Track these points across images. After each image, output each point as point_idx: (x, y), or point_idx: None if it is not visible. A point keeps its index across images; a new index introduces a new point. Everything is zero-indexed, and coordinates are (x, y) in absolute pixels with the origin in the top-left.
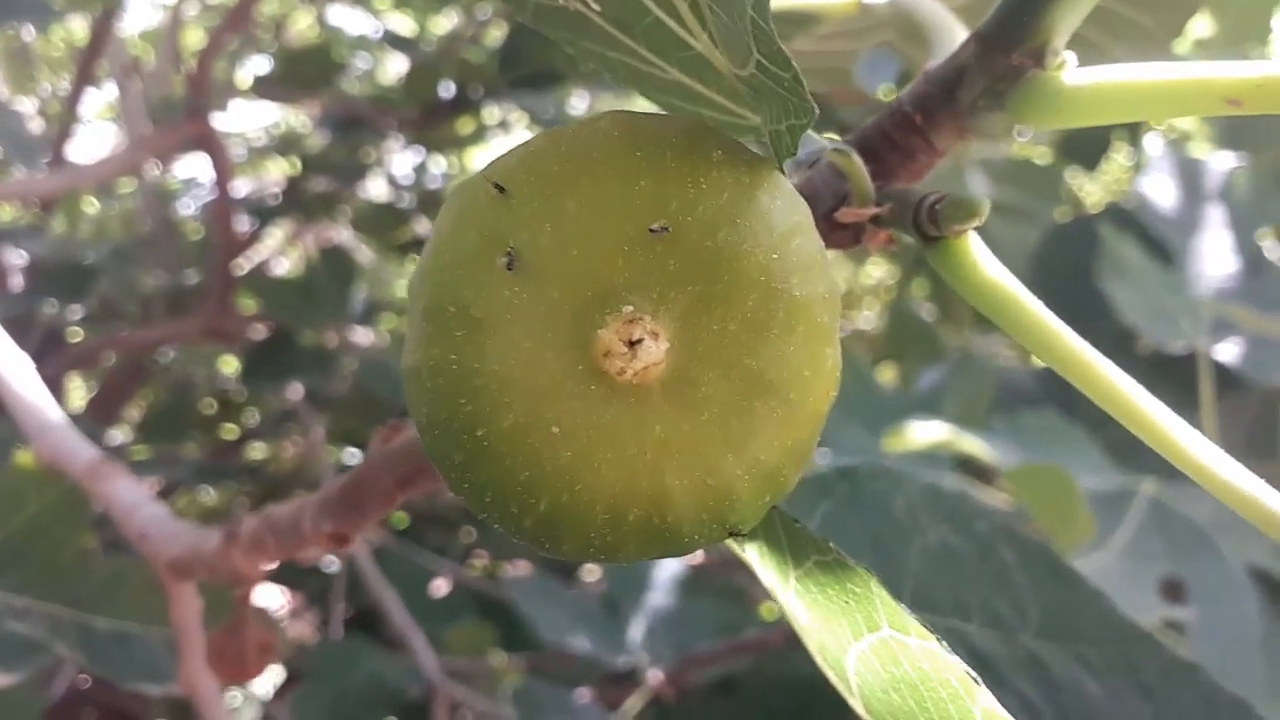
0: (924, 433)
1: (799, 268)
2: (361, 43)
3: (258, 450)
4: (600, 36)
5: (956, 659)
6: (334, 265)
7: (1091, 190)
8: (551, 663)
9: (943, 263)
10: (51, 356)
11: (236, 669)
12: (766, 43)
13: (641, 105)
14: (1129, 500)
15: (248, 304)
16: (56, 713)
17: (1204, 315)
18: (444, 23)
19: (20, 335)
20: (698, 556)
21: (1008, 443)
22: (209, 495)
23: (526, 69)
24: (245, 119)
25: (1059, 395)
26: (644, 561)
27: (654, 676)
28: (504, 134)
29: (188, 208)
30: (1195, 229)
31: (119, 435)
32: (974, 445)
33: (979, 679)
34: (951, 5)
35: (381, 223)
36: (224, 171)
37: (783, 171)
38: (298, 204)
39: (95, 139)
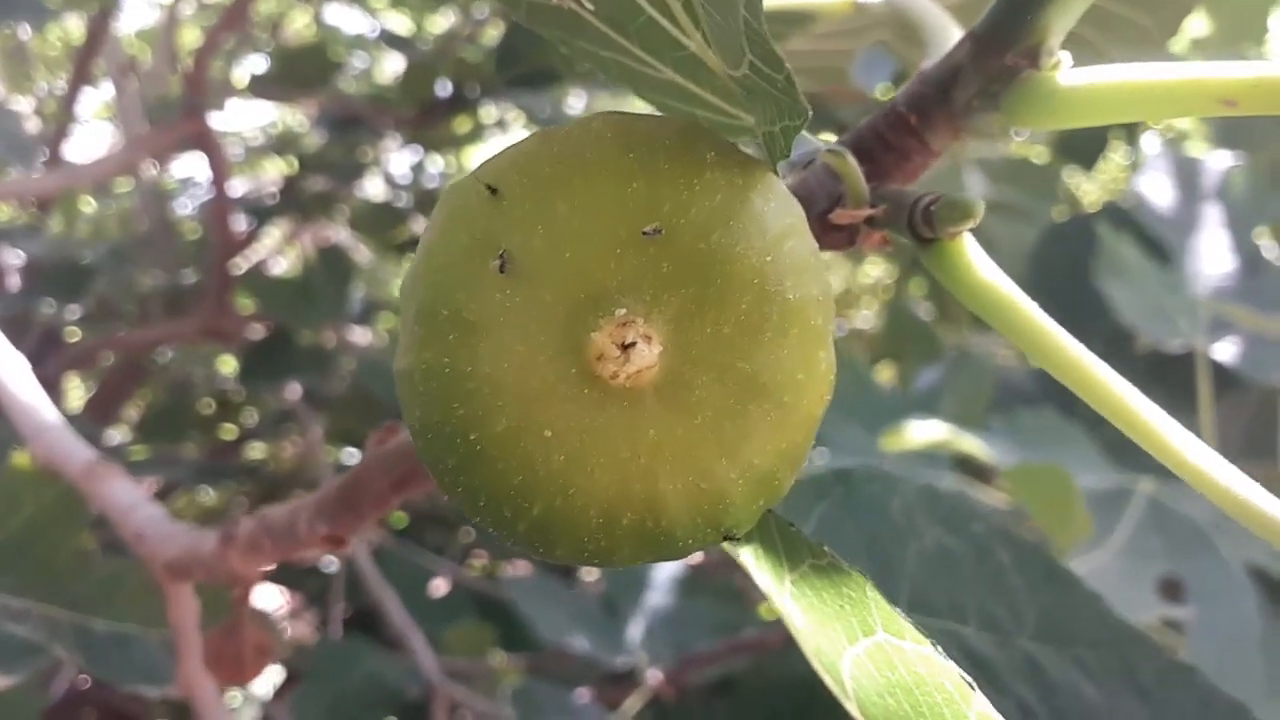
0: (922, 432)
1: (792, 270)
2: (358, 42)
3: (256, 450)
4: (594, 36)
5: (951, 663)
6: (332, 265)
7: (1089, 189)
8: (551, 663)
9: (937, 264)
10: (49, 356)
11: (234, 670)
12: (759, 44)
13: (638, 105)
14: (1127, 499)
15: (245, 304)
16: (56, 713)
17: (1202, 314)
18: (441, 22)
19: (18, 335)
20: (696, 557)
21: (1006, 442)
22: (208, 495)
23: (523, 68)
24: (242, 118)
25: (1057, 394)
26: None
27: (653, 676)
28: (501, 133)
29: (185, 207)
30: (1193, 228)
31: (117, 435)
32: (972, 444)
33: (974, 683)
34: (946, 4)
35: (379, 222)
36: (221, 171)
37: (776, 173)
38: (295, 203)
39: (92, 138)
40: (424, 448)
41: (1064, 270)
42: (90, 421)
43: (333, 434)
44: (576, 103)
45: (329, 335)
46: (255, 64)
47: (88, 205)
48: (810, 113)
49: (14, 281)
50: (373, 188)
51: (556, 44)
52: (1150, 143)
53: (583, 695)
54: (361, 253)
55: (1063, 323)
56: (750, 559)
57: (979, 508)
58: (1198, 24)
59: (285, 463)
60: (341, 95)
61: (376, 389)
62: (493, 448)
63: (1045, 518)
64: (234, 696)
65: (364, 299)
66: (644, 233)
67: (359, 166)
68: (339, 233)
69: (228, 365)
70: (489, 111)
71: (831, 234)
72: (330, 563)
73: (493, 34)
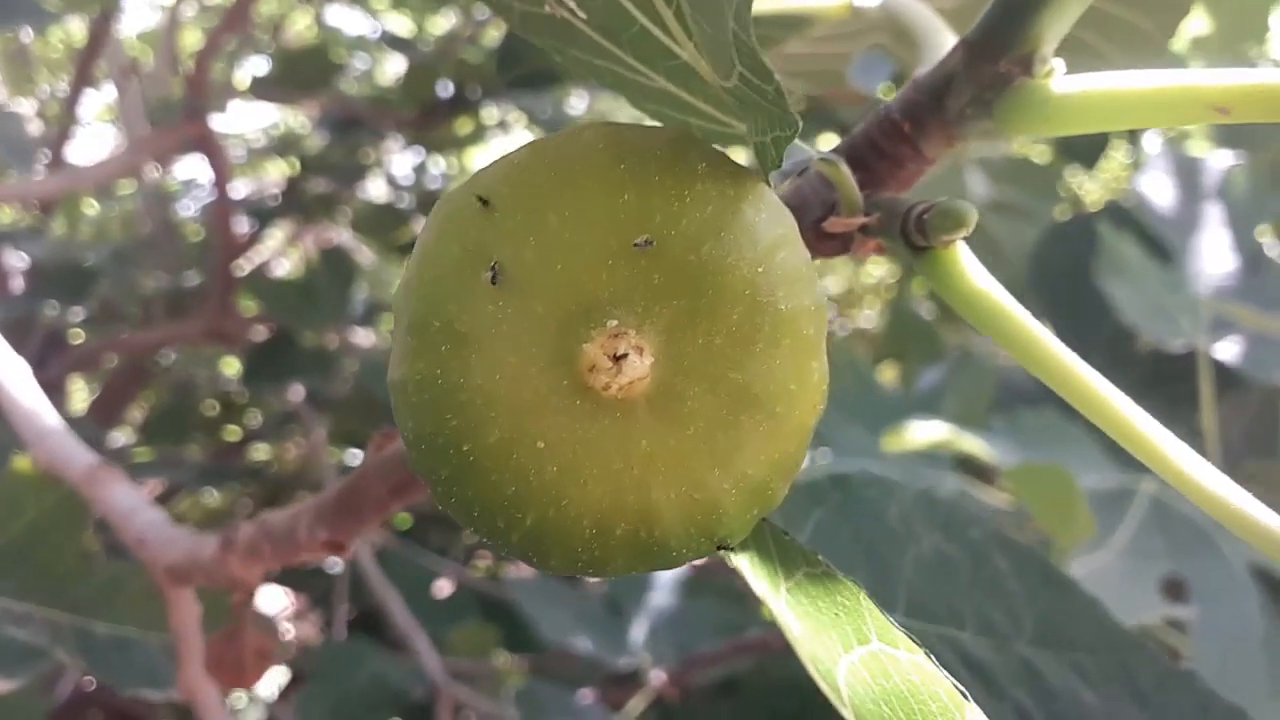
0: (924, 432)
1: (784, 281)
2: (359, 43)
3: (260, 452)
4: (587, 44)
5: (944, 673)
6: (334, 266)
7: (1091, 189)
8: (554, 663)
9: (931, 272)
10: (53, 359)
11: (235, 674)
12: (748, 55)
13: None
14: (1129, 499)
15: (248, 305)
16: (61, 715)
17: (1203, 313)
18: (442, 23)
19: (21, 338)
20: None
21: (1008, 442)
22: (212, 497)
23: (524, 69)
24: (244, 120)
25: (1058, 394)
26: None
27: (656, 677)
28: (503, 134)
29: (187, 209)
30: (1194, 227)
31: (121, 437)
32: (974, 444)
33: (967, 693)
34: (941, 8)
35: (381, 223)
36: (223, 173)
37: (769, 183)
38: (297, 205)
39: (94, 141)
40: (417, 459)
41: (1065, 270)
42: (94, 423)
43: (336, 435)
44: (578, 103)
45: (332, 337)
46: (257, 66)
47: (90, 207)
48: (800, 124)
49: (17, 284)
50: (375, 189)
51: (550, 52)
52: (1151, 142)
53: (586, 696)
54: (364, 254)
55: (1064, 322)
56: (746, 566)
57: (977, 513)
58: (1198, 23)
59: (289, 464)
60: (343, 97)
61: (379, 390)
62: (486, 459)
63: (1047, 518)
64: (239, 698)
65: (366, 300)
66: (635, 244)
67: (361, 168)
68: (341, 234)
69: (231, 367)
70: (490, 113)
71: (826, 242)
72: (334, 564)
73: (494, 35)
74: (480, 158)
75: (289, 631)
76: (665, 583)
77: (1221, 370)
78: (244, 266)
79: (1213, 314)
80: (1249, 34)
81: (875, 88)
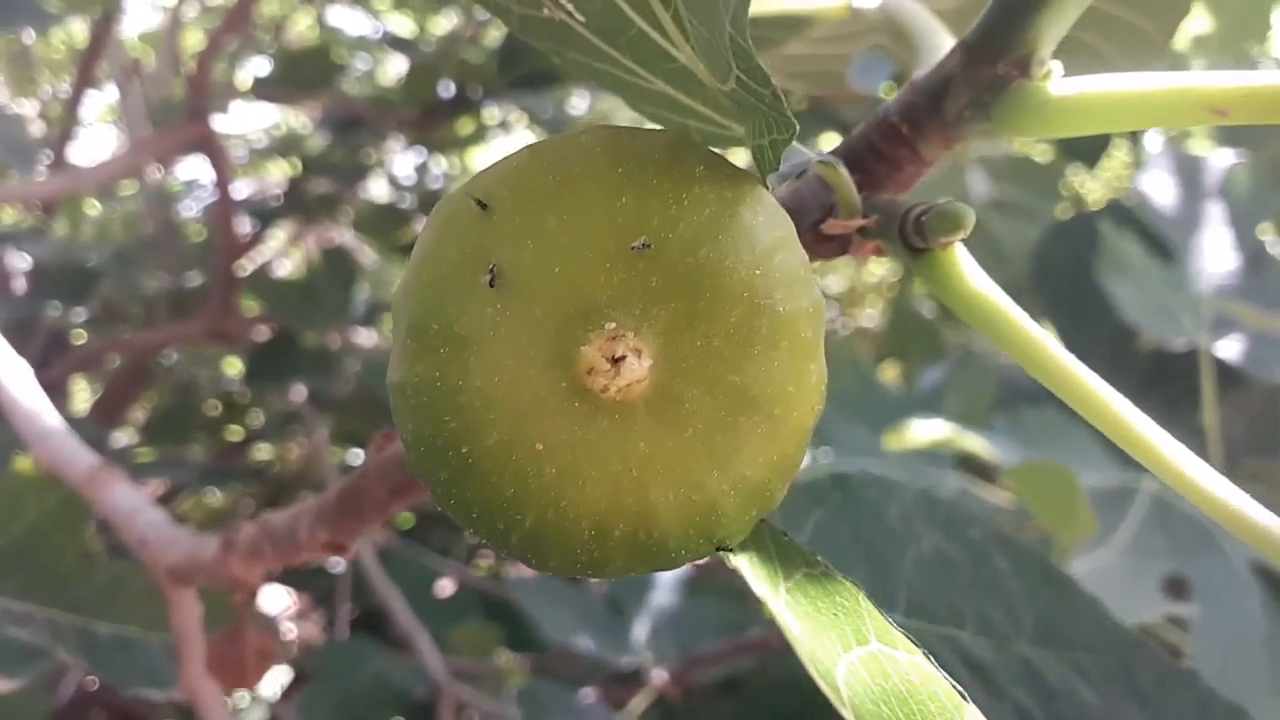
0: (925, 431)
1: (782, 283)
2: (361, 43)
3: (262, 451)
4: (585, 48)
5: (943, 674)
6: (336, 266)
7: (1093, 187)
8: (556, 663)
9: (929, 274)
10: (55, 359)
11: (236, 675)
12: (745, 59)
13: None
14: (1131, 497)
15: (250, 305)
16: (64, 715)
17: (1205, 312)
18: (443, 23)
19: (24, 338)
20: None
21: (1009, 440)
22: (214, 497)
23: (526, 69)
24: (245, 120)
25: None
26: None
27: (658, 676)
28: (504, 134)
29: (189, 210)
30: (1196, 225)
31: (123, 438)
32: (975, 443)
33: (965, 694)
34: (940, 9)
35: (383, 223)
36: (225, 173)
37: (766, 185)
38: (299, 205)
39: (96, 141)
40: (417, 460)
41: (1067, 269)
42: (96, 424)
43: (338, 435)
44: (580, 103)
45: (334, 337)
46: (258, 66)
47: (92, 208)
48: (797, 127)
49: (20, 285)
50: (376, 189)
51: (549, 55)
52: (1153, 141)
53: (588, 695)
54: (366, 254)
55: (1066, 321)
56: (745, 567)
57: (977, 512)
58: (1200, 22)
59: (291, 464)
60: (344, 97)
61: (381, 390)
62: (484, 461)
63: (1049, 516)
64: (241, 697)
65: (368, 300)
66: (633, 247)
67: (363, 168)
68: (343, 234)
69: (233, 367)
70: (492, 113)
71: (824, 244)
72: (336, 564)
73: (495, 35)
74: (482, 158)
75: (291, 631)
76: (667, 582)
77: (1223, 369)
78: (246, 267)
79: (1214, 312)
80: (1250, 33)
81: (876, 88)
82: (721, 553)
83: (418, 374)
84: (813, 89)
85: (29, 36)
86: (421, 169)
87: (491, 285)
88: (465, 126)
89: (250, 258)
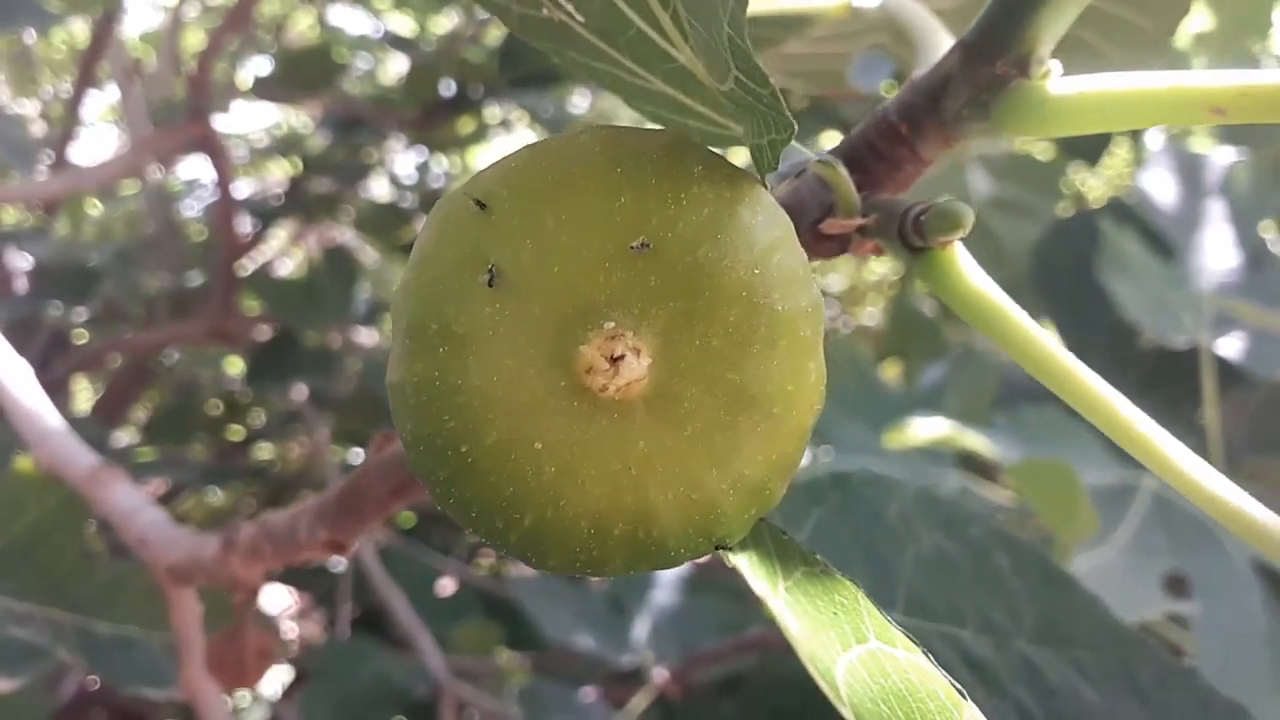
0: (926, 429)
1: (781, 282)
2: (362, 43)
3: (264, 451)
4: (585, 48)
5: (942, 672)
6: (337, 266)
7: (1094, 185)
8: (557, 661)
9: (928, 273)
10: (57, 359)
11: (236, 674)
12: (743, 59)
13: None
14: (1131, 495)
15: (251, 305)
16: (66, 714)
17: (1206, 310)
18: (444, 22)
19: (25, 338)
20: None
21: (1010, 438)
22: (216, 496)
23: (527, 68)
24: (246, 120)
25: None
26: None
27: (659, 675)
28: (505, 133)
29: (190, 209)
30: (1196, 223)
31: (125, 437)
32: (976, 441)
33: (965, 692)
34: (939, 9)
35: (384, 223)
36: (226, 173)
37: (765, 185)
38: (300, 205)
39: (97, 141)
40: (416, 460)
41: (1068, 267)
42: (98, 423)
43: (339, 434)
44: (581, 102)
45: (335, 336)
46: (259, 66)
47: (94, 208)
48: (796, 127)
49: (21, 284)
50: (378, 188)
51: (549, 55)
52: (1154, 139)
53: (589, 694)
54: (367, 253)
55: (1067, 319)
56: (745, 566)
57: (977, 510)
58: (1200, 20)
59: (292, 463)
60: (345, 96)
61: (382, 390)
62: (484, 460)
63: (1050, 514)
64: (243, 696)
65: (369, 300)
66: (632, 247)
67: (363, 167)
68: (344, 234)
69: (234, 366)
70: (493, 112)
71: (823, 243)
72: (338, 563)
73: (496, 34)
74: (483, 157)
75: (292, 630)
76: (667, 581)
77: (1224, 366)
78: (247, 266)
79: (1215, 310)
80: (1251, 31)
81: (876, 87)
82: (721, 551)
83: (417, 373)
84: (813, 88)
85: (30, 36)
86: (423, 168)
87: (490, 285)
88: (466, 126)
89: (251, 257)
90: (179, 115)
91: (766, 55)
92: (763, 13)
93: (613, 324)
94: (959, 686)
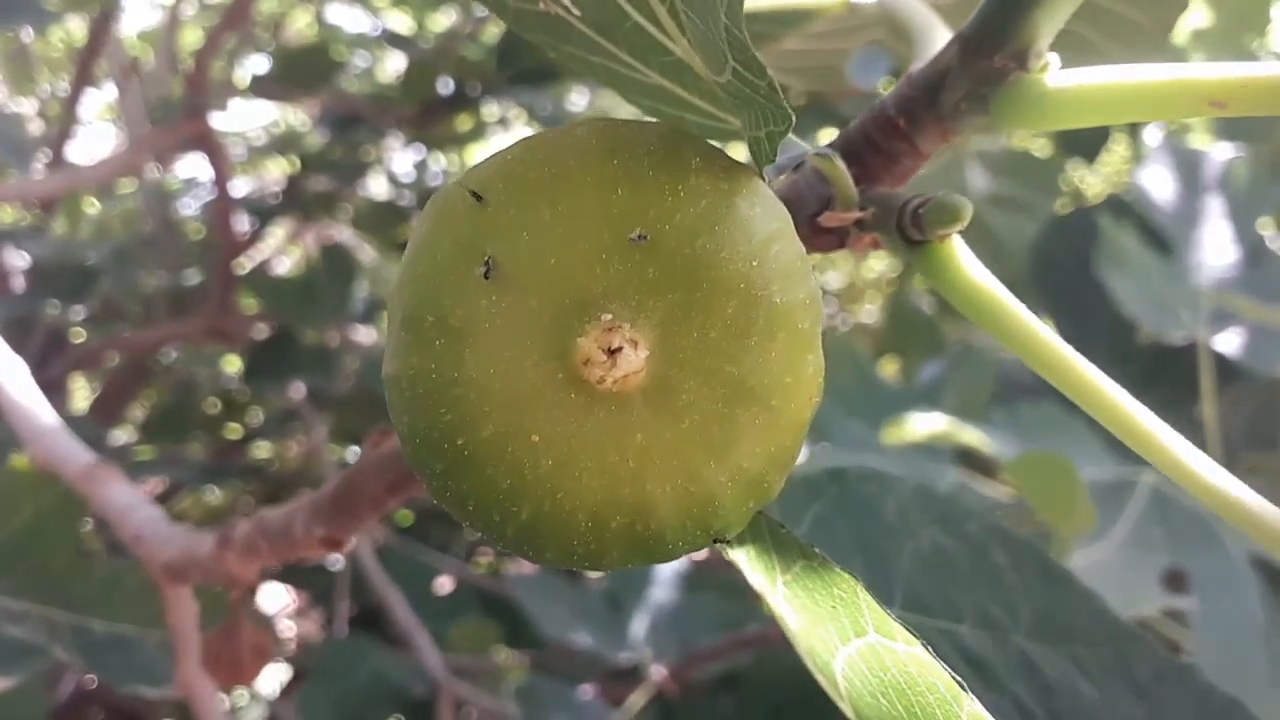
0: (924, 425)
1: (779, 274)
2: (360, 41)
3: (262, 449)
4: (581, 41)
5: (942, 664)
6: (335, 264)
7: (1092, 182)
8: (555, 659)
9: (927, 267)
10: (54, 358)
11: (231, 672)
12: (741, 50)
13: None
14: (1130, 490)
15: (249, 303)
16: (63, 713)
17: (1204, 305)
18: (442, 20)
19: (23, 337)
20: (700, 552)
21: (1008, 434)
22: (214, 495)
23: (525, 65)
24: (244, 118)
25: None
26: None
27: (657, 672)
28: (503, 131)
29: (188, 208)
30: (1195, 219)
31: (123, 436)
32: (974, 437)
33: (965, 685)
34: (938, 3)
35: (382, 221)
36: (223, 171)
37: (763, 177)
38: (298, 203)
39: (95, 140)
40: (412, 453)
41: (1066, 263)
42: (95, 422)
43: (337, 433)
44: (579, 99)
45: (332, 334)
46: (257, 64)
47: (91, 206)
48: (794, 119)
49: (19, 283)
50: (375, 186)
51: (545, 49)
52: (1153, 135)
53: (587, 691)
54: (365, 252)
55: (1065, 315)
56: (743, 560)
57: (975, 507)
58: (1198, 16)
59: (290, 462)
60: (343, 94)
61: (380, 388)
62: (480, 453)
63: (1048, 509)
64: (240, 694)
65: (367, 298)
66: (629, 238)
67: (361, 165)
68: (342, 232)
69: (232, 365)
70: (491, 109)
71: (821, 237)
72: (335, 561)
73: (494, 31)
74: (481, 155)
75: (290, 629)
76: (665, 578)
77: (1222, 362)
78: (245, 264)
79: (1213, 306)
80: (1249, 26)
81: (874, 83)
82: (719, 544)
83: (413, 366)
84: (811, 85)
85: (28, 35)
86: (420, 166)
87: (486, 277)
88: (464, 123)
89: (249, 255)
90: (177, 113)
91: (764, 52)
92: (761, 8)
93: (610, 316)
94: (959, 679)
